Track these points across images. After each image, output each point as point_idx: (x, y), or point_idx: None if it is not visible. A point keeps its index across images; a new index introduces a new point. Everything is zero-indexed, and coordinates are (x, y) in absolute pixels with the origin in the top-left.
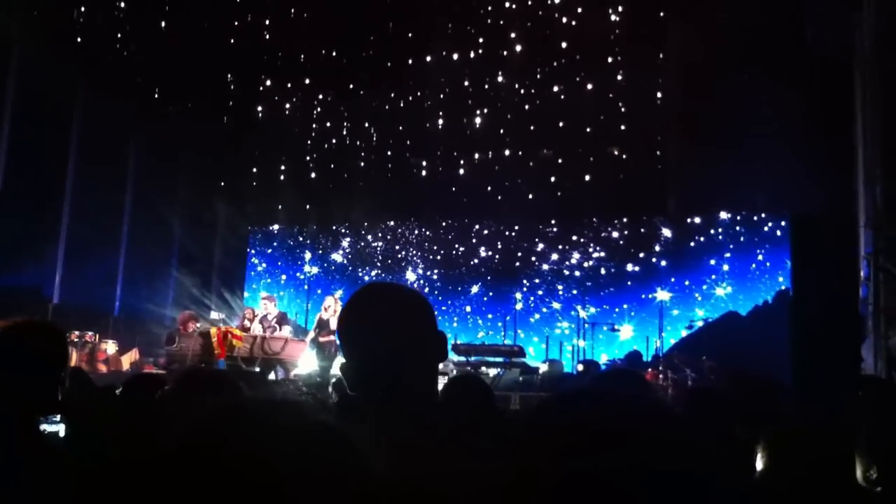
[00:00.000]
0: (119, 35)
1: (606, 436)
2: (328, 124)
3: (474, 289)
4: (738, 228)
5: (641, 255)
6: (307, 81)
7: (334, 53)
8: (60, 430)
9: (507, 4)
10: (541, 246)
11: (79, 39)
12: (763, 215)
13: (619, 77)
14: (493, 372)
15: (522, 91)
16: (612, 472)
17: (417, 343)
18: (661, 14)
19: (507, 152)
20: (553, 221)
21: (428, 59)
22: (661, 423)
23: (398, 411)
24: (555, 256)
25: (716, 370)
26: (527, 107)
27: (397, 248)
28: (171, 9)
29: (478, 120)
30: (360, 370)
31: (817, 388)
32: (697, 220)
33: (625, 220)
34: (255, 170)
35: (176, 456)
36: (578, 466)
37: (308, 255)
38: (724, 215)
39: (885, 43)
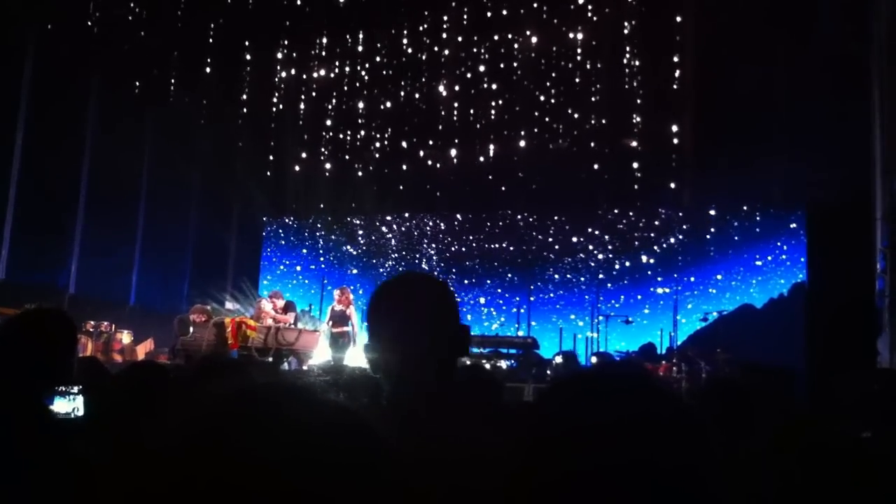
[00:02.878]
0: (132, 22)
1: (606, 431)
2: (343, 116)
3: (488, 281)
4: (755, 220)
5: (656, 247)
6: (322, 72)
7: (349, 42)
8: (79, 405)
9: None
10: (555, 238)
11: (95, 29)
12: (781, 211)
13: (634, 68)
14: (505, 363)
15: (536, 82)
16: (611, 469)
17: (437, 337)
18: (677, 2)
19: (521, 144)
20: (567, 214)
21: (445, 51)
22: (662, 417)
23: (410, 403)
24: (569, 249)
25: (730, 362)
26: (541, 98)
27: (412, 240)
28: None
29: (492, 112)
30: (379, 360)
31: (832, 381)
32: (713, 212)
33: (640, 212)
34: (270, 158)
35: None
36: (577, 464)
37: (322, 247)
38: (741, 208)
39: None
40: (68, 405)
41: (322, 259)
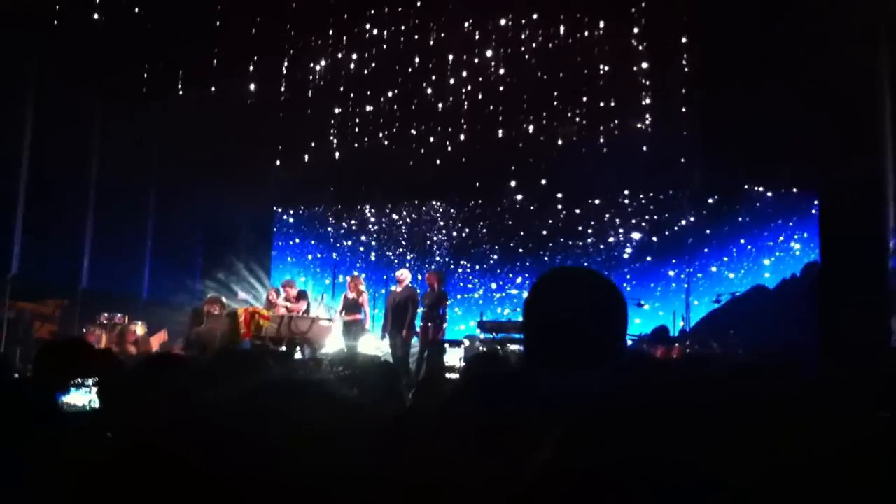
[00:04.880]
0: (135, 16)
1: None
2: (351, 103)
3: (499, 268)
4: (766, 200)
5: (667, 230)
6: (329, 60)
7: (355, 30)
8: (95, 398)
9: None
10: (566, 222)
11: (99, 26)
12: (792, 190)
13: (642, 48)
14: (518, 348)
15: (544, 65)
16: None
17: (598, 347)
18: None
19: (530, 129)
20: (577, 197)
21: (452, 37)
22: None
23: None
24: (580, 233)
25: (742, 344)
26: (549, 81)
27: (423, 227)
28: None
29: (500, 97)
30: (540, 354)
31: (845, 360)
32: (724, 193)
33: (651, 194)
34: (279, 147)
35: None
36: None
37: (333, 235)
38: (752, 189)
39: None
40: (84, 398)
41: (333, 247)
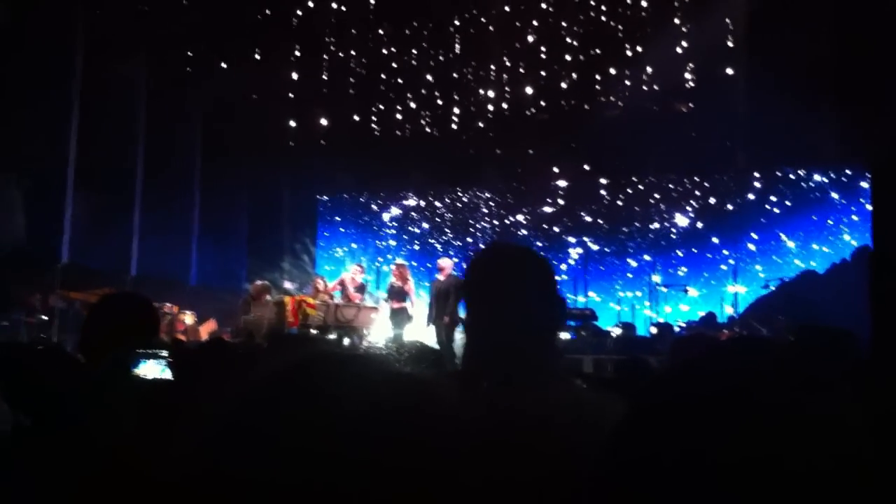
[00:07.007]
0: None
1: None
2: (391, 90)
3: (544, 253)
4: (814, 180)
5: (713, 214)
6: (370, 47)
7: (394, 14)
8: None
9: None
10: (610, 208)
11: (144, 10)
12: (842, 171)
13: (686, 29)
14: (564, 336)
15: (586, 48)
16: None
17: (534, 313)
18: None
19: (572, 113)
20: (623, 182)
21: (491, 21)
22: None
23: (507, 379)
24: (625, 218)
25: (792, 329)
26: (593, 64)
27: (466, 213)
28: None
29: (542, 79)
30: (477, 334)
31: None
32: (768, 175)
33: (697, 179)
34: (322, 143)
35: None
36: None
37: (377, 223)
38: (800, 172)
39: None
40: (157, 368)
41: (377, 235)
